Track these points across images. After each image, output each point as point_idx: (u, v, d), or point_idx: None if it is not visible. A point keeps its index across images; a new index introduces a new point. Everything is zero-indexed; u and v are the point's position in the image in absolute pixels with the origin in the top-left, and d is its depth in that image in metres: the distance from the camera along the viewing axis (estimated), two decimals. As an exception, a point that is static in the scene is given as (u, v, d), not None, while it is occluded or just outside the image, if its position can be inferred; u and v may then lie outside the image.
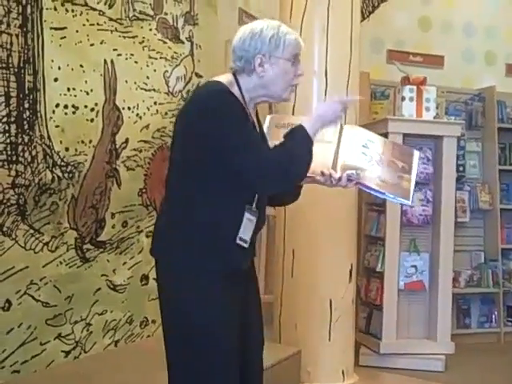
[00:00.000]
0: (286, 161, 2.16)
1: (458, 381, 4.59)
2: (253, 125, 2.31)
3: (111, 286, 3.92)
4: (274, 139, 2.43)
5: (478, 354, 5.47)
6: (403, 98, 4.95)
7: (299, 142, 2.20)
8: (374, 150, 2.43)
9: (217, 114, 2.14)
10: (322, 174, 2.31)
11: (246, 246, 2.25)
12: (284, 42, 2.24)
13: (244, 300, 2.32)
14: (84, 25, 3.71)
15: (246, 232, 2.24)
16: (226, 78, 2.28)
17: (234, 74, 2.29)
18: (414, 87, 4.97)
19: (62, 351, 3.58)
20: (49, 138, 3.48)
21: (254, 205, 2.25)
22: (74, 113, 3.63)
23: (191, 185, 2.24)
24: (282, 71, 2.25)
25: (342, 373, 4.34)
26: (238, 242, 2.22)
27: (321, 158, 2.35)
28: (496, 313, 6.04)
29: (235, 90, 2.25)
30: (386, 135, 4.89)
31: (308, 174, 2.29)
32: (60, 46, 3.55)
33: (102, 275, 3.85)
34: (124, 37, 4.02)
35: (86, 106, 3.72)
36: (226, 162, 2.14)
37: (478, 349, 5.61)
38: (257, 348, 2.44)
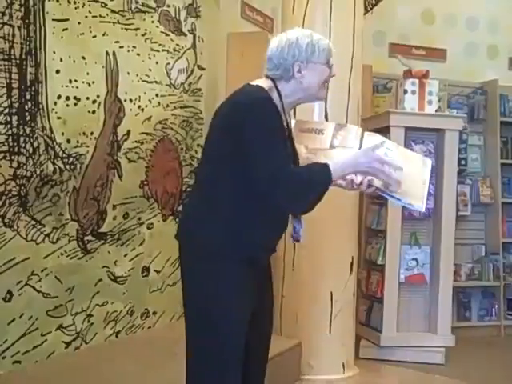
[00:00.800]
0: (299, 188, 2.26)
1: (458, 373, 4.59)
2: (288, 131, 2.44)
3: (112, 278, 3.93)
4: (297, 142, 2.53)
5: (479, 346, 5.48)
6: (405, 92, 4.95)
7: (319, 181, 2.28)
8: (392, 157, 2.45)
9: (259, 121, 2.25)
10: (344, 178, 2.35)
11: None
12: (319, 47, 2.39)
13: (259, 286, 2.41)
14: (86, 17, 3.72)
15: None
16: (266, 84, 2.39)
17: (274, 81, 2.41)
18: (417, 80, 4.96)
19: (63, 342, 3.60)
20: (50, 129, 3.49)
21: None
22: (75, 104, 3.64)
23: (222, 183, 2.31)
24: (320, 74, 2.41)
25: (343, 365, 4.35)
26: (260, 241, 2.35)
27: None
28: (496, 306, 6.04)
29: (275, 96, 2.36)
30: (387, 128, 4.91)
31: None
32: (62, 37, 3.55)
33: (103, 267, 3.87)
34: (126, 29, 4.03)
35: (87, 98, 3.73)
36: (250, 166, 2.24)
37: (478, 342, 5.62)
38: (264, 333, 2.53)
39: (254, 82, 2.40)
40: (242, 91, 2.37)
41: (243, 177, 2.26)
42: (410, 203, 2.38)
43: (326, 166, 2.27)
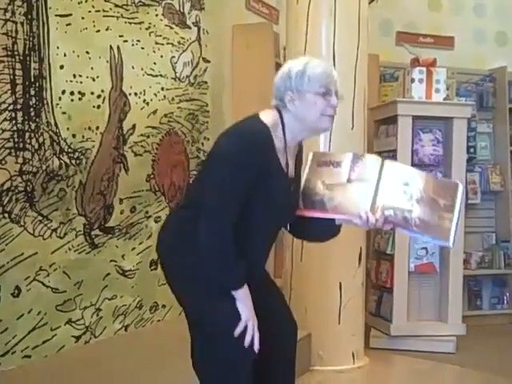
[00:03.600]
0: (213, 253, 2.18)
1: (470, 362, 4.57)
2: (286, 165, 2.31)
3: (120, 272, 3.95)
4: (314, 177, 2.42)
5: (490, 335, 5.45)
6: (413, 80, 4.91)
7: (219, 269, 2.20)
8: (415, 187, 2.34)
9: (233, 159, 2.16)
10: (360, 217, 2.28)
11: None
12: (310, 75, 2.26)
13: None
14: (89, 11, 3.72)
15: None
16: (271, 118, 2.28)
17: (280, 111, 2.31)
18: (424, 69, 4.92)
19: (73, 336, 3.62)
20: (56, 124, 3.49)
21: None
22: (80, 99, 3.65)
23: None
24: (311, 104, 2.26)
25: (353, 355, 4.34)
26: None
27: (359, 199, 2.31)
28: (507, 294, 6.00)
29: (279, 130, 2.28)
30: (395, 118, 4.88)
31: (345, 217, 2.31)
32: (65, 32, 3.56)
33: (111, 261, 3.88)
34: (130, 23, 4.03)
35: (92, 93, 3.74)
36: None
37: (489, 330, 5.59)
38: (283, 334, 2.50)
39: (264, 115, 2.29)
40: (241, 121, 2.29)
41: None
42: (435, 238, 2.27)
43: (241, 277, 2.20)
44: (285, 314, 2.55)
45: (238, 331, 2.18)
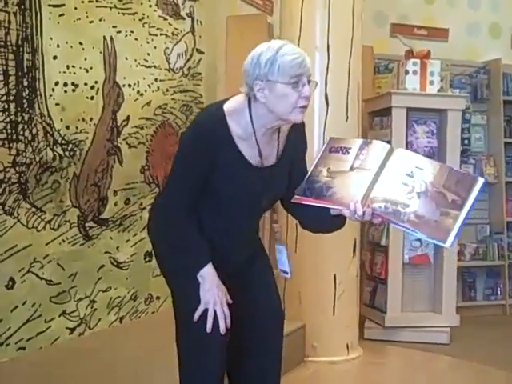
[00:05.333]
0: (170, 237, 2.25)
1: (463, 353, 4.59)
2: (259, 154, 2.22)
3: (115, 263, 3.94)
4: (322, 163, 2.27)
5: (483, 326, 5.48)
6: (407, 72, 4.91)
7: (187, 259, 2.24)
8: (419, 179, 2.12)
9: (183, 144, 2.22)
10: (349, 207, 2.11)
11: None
12: (279, 64, 2.06)
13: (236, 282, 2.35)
14: (82, 2, 3.70)
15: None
16: (236, 105, 2.19)
17: (250, 99, 2.17)
18: (418, 61, 4.92)
19: (67, 328, 3.61)
20: (49, 116, 3.48)
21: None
22: (73, 91, 3.63)
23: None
24: (281, 95, 2.09)
25: (347, 346, 4.35)
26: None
27: (354, 188, 2.16)
28: (501, 285, 6.03)
29: (243, 118, 2.17)
30: (389, 109, 4.88)
31: (335, 207, 2.16)
32: (58, 23, 3.54)
33: (106, 252, 3.87)
34: (123, 13, 4.00)
35: (85, 84, 3.72)
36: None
37: (483, 321, 5.61)
38: (269, 322, 2.45)
39: (230, 100, 2.20)
40: (203, 109, 2.33)
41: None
42: (430, 236, 2.05)
43: (197, 262, 2.24)
44: (268, 300, 2.46)
45: (196, 315, 2.21)
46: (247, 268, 2.41)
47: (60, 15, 3.54)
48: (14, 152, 3.27)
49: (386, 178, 2.16)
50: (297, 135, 2.32)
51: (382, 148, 2.21)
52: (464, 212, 2.04)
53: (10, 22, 3.25)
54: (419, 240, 4.93)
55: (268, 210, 2.52)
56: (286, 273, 2.50)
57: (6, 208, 3.24)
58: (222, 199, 2.22)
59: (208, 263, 2.22)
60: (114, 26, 3.92)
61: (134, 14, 4.08)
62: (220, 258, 2.25)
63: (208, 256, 2.23)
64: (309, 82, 2.12)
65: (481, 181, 2.09)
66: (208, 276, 2.23)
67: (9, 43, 3.24)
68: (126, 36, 4.02)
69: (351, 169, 2.20)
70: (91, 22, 3.75)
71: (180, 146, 2.23)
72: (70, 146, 3.61)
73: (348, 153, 2.24)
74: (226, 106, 2.17)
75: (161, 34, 4.33)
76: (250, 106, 2.17)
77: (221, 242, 2.29)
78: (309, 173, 2.28)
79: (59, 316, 3.55)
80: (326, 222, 2.27)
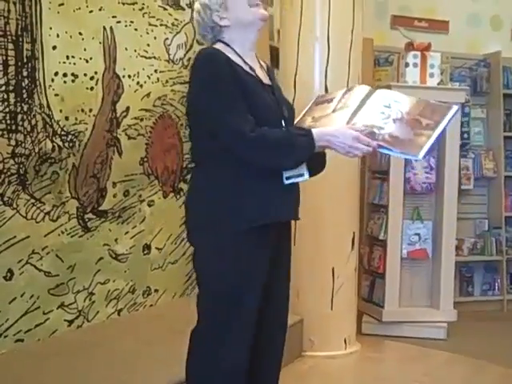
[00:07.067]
0: (265, 152, 2.22)
1: (461, 348, 4.59)
2: (261, 78, 2.36)
3: (113, 256, 3.92)
4: (308, 115, 2.44)
5: (481, 321, 5.48)
6: (407, 65, 4.89)
7: (300, 145, 2.23)
8: (395, 109, 2.28)
9: (207, 81, 2.24)
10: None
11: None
12: None
13: (272, 261, 2.36)
14: (82, -9, 3.66)
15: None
16: (216, 46, 2.36)
17: (219, 40, 2.38)
18: (418, 53, 4.90)
19: (65, 320, 3.60)
20: (48, 106, 3.45)
21: None
22: (73, 81, 3.60)
23: (209, 145, 2.30)
24: (235, 4, 2.34)
25: (345, 341, 4.35)
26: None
27: (335, 123, 2.31)
28: (499, 281, 6.02)
29: (228, 49, 2.33)
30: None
31: None
32: (58, 13, 3.51)
33: (104, 244, 3.85)
34: (123, 3, 3.97)
35: (85, 75, 3.69)
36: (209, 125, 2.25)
37: (480, 316, 5.61)
38: (279, 307, 2.53)
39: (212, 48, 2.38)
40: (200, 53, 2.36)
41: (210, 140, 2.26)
42: (403, 152, 2.21)
43: (304, 131, 2.25)
44: (278, 316, 2.56)
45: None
46: (281, 252, 2.44)
47: (60, 5, 3.50)
48: (13, 143, 3.25)
49: (366, 111, 2.31)
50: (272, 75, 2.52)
51: (364, 89, 2.38)
52: (437, 131, 2.19)
53: (9, 12, 3.22)
54: (418, 235, 4.93)
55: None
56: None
57: (5, 199, 3.22)
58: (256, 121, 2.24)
59: (310, 131, 2.24)
60: (113, 16, 3.88)
61: (133, 3, 4.04)
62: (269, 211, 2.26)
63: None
64: None
65: (455, 108, 2.26)
66: (322, 132, 2.24)
67: (8, 33, 3.21)
68: (126, 26, 3.98)
69: (333, 111, 2.38)
70: (91, 11, 3.72)
71: (200, 88, 2.25)
72: (70, 136, 3.58)
73: (332, 101, 2.43)
74: (215, 47, 2.34)
75: (161, 25, 4.29)
76: (225, 43, 2.36)
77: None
78: (294, 124, 2.42)
79: (57, 308, 3.54)
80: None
